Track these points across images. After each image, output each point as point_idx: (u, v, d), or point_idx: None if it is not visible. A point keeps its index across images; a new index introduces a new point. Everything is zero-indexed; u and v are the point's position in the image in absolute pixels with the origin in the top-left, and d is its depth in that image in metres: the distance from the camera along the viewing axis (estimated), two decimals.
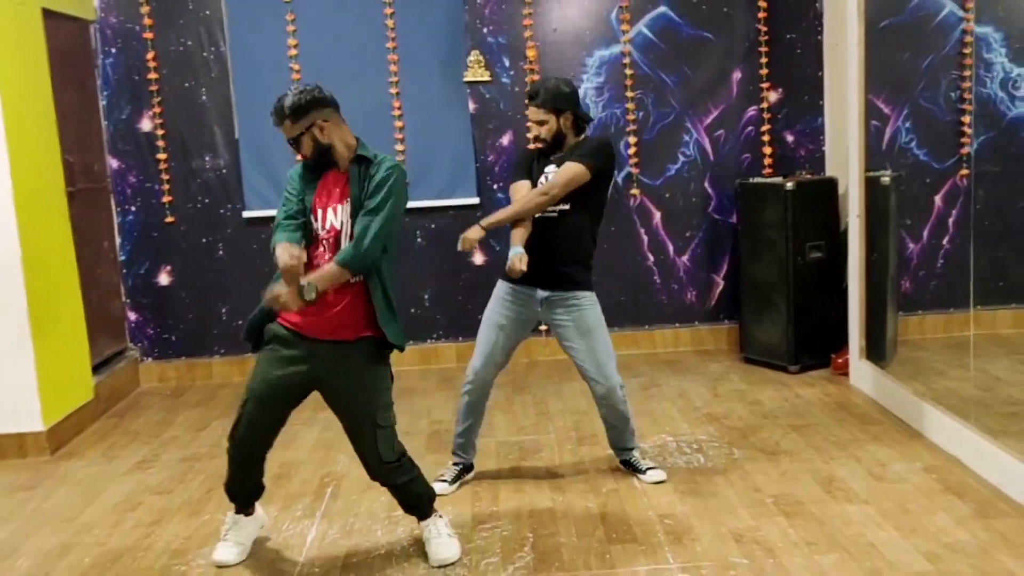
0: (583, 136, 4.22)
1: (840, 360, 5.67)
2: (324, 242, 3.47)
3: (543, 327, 6.42)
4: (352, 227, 3.41)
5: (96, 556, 3.84)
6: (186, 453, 5.06)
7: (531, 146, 4.37)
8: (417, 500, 3.67)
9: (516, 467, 4.56)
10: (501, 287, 4.30)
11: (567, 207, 4.07)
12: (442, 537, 3.65)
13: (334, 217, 3.46)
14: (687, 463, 4.45)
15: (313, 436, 5.21)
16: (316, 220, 3.48)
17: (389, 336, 3.46)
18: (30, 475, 4.83)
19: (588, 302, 4.15)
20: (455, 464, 4.35)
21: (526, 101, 4.25)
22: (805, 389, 5.49)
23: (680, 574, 3.39)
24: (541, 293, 4.13)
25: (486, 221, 4.11)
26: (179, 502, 4.36)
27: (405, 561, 3.64)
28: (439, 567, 3.57)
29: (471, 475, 4.39)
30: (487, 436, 5.00)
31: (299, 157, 3.56)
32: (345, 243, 3.41)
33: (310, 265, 3.45)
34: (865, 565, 3.34)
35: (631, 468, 4.33)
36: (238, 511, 3.81)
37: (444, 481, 4.26)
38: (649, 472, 4.27)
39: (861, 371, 5.42)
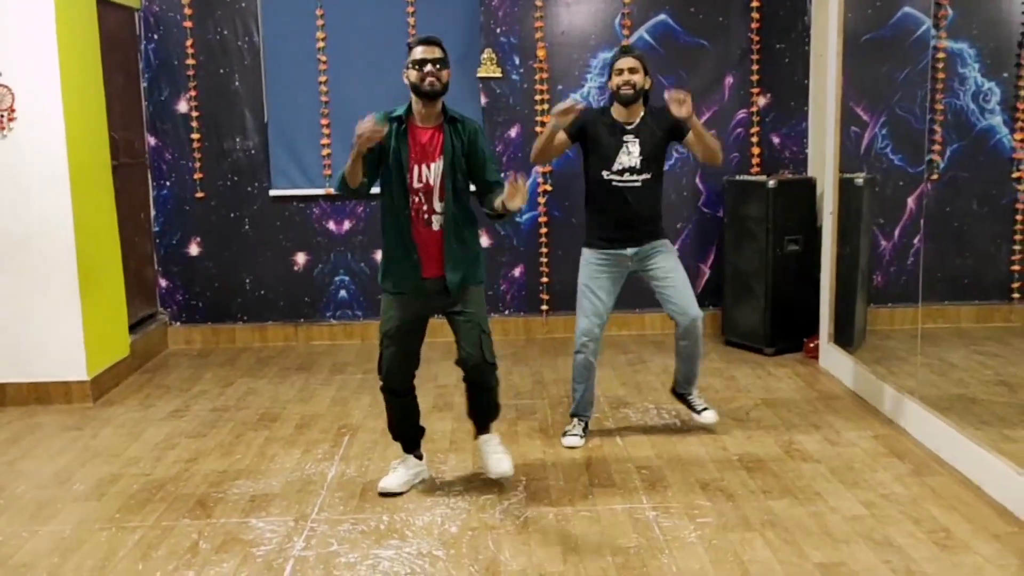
0: (648, 107, 4.65)
1: (812, 345, 6.20)
2: (419, 194, 3.92)
3: (544, 308, 6.98)
4: (443, 183, 3.90)
5: (143, 484, 4.39)
6: (215, 404, 5.60)
7: (619, 93, 4.56)
8: (490, 408, 4.27)
9: (512, 425, 5.09)
10: (591, 255, 4.72)
11: (649, 176, 4.58)
12: (499, 453, 4.25)
13: (428, 172, 3.91)
14: (665, 425, 5.00)
15: (330, 394, 5.74)
16: (409, 173, 3.90)
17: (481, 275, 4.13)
18: (77, 418, 5.38)
19: (669, 246, 4.73)
20: (580, 421, 4.83)
21: (617, 58, 4.57)
22: (778, 369, 6.03)
23: (651, 511, 3.93)
24: (631, 250, 4.63)
25: (695, 123, 4.50)
26: (212, 444, 4.90)
27: (413, 493, 4.18)
28: (498, 478, 4.20)
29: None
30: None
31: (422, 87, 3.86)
32: (436, 198, 3.92)
33: (412, 214, 3.93)
34: (809, 508, 3.89)
35: (686, 403, 4.93)
36: (406, 450, 4.29)
37: (575, 435, 4.76)
38: (704, 413, 4.86)
39: (829, 354, 5.96)
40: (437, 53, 3.88)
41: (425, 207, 3.93)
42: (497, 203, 3.88)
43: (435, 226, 3.95)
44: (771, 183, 6.23)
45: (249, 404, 5.60)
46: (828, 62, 5.93)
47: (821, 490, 4.08)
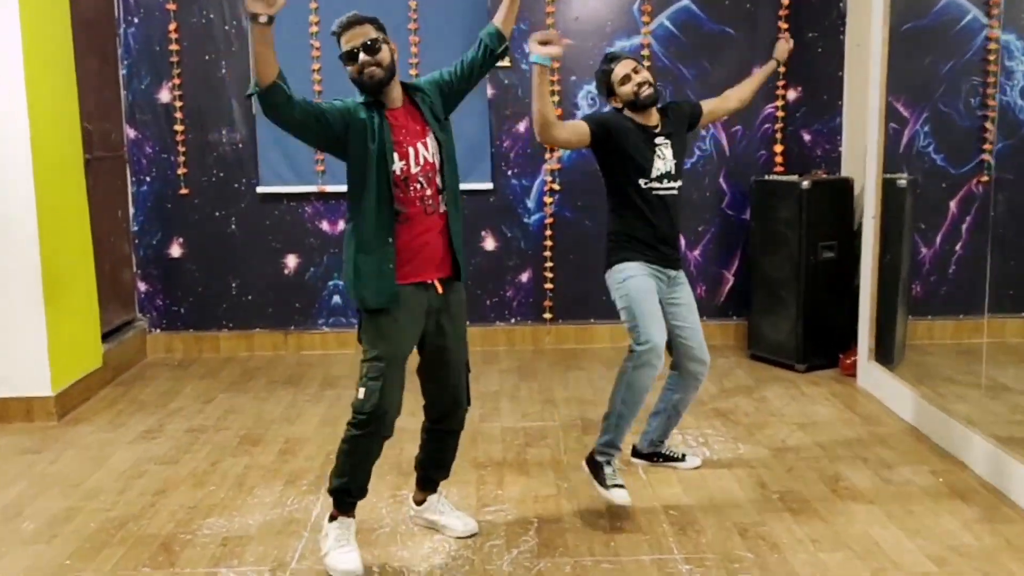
0: (658, 109, 4.08)
1: (848, 361, 5.67)
2: (421, 179, 3.33)
3: (547, 315, 6.45)
4: (442, 156, 3.38)
5: (101, 522, 3.85)
6: (192, 424, 5.07)
7: (640, 98, 3.92)
8: (452, 460, 3.72)
9: (521, 453, 4.57)
10: (637, 266, 3.91)
11: (681, 183, 4.02)
12: (456, 511, 3.72)
13: (426, 152, 3.36)
14: (693, 456, 4.46)
15: (320, 412, 5.22)
16: (406, 160, 3.31)
17: (463, 270, 3.50)
18: (37, 439, 4.85)
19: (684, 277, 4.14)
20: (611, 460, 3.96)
21: (608, 68, 3.96)
22: (812, 388, 5.49)
23: (684, 565, 3.40)
24: (671, 273, 4.01)
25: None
26: (184, 473, 4.37)
27: (409, 539, 3.65)
28: (464, 538, 3.62)
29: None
30: (491, 421, 5.02)
31: (355, 71, 3.30)
32: (439, 177, 3.37)
33: (407, 212, 3.32)
34: (871, 564, 3.35)
35: (664, 459, 4.32)
36: (349, 512, 3.49)
37: (622, 486, 3.86)
38: (688, 459, 4.33)
39: (869, 373, 5.42)
40: (366, 34, 3.29)
41: (429, 192, 3.36)
42: (499, 17, 3.57)
43: (442, 207, 3.40)
44: (805, 183, 5.69)
45: (230, 424, 5.07)
46: (871, 52, 5.38)
47: (880, 540, 3.54)
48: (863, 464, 4.30)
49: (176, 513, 3.93)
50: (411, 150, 3.33)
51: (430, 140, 3.38)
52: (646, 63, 6.26)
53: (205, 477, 4.32)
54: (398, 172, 3.30)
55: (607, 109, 4.12)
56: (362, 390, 3.32)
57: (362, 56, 3.26)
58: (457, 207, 3.45)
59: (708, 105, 4.30)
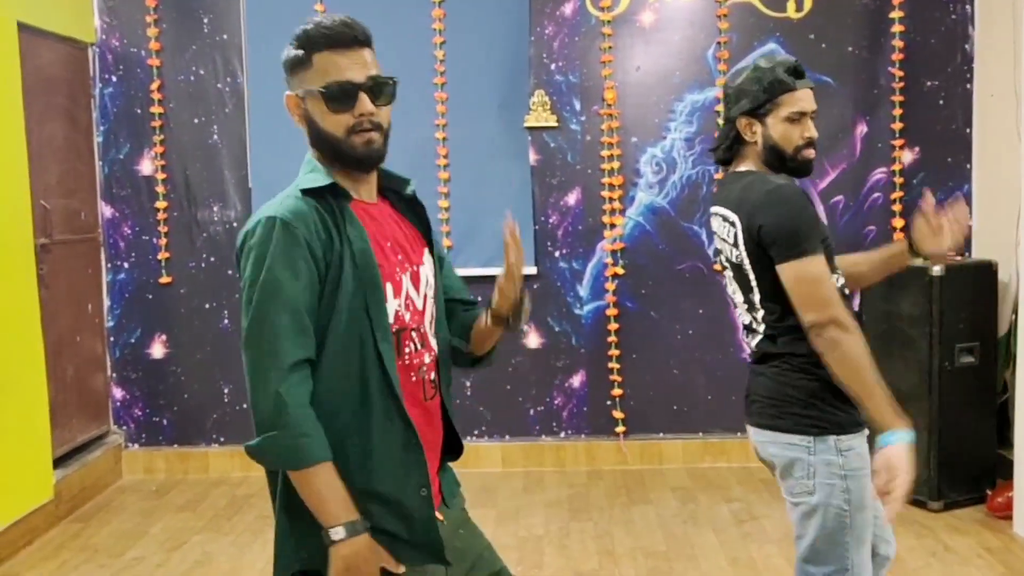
0: None
1: (999, 499, 4.37)
2: (411, 332, 2.01)
3: (620, 430, 5.26)
4: (436, 298, 2.11)
5: None
6: None
7: (796, 159, 2.56)
8: None
9: None
10: (860, 445, 2.49)
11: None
12: None
13: (416, 288, 2.04)
14: None
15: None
16: (398, 298, 1.99)
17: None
18: None
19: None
20: None
21: (787, 86, 2.53)
22: (955, 537, 4.19)
23: None
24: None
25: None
26: None
27: None
28: None
29: None
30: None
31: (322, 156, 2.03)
32: (431, 332, 2.07)
33: (402, 377, 1.98)
34: None
35: None
36: None
37: None
38: None
39: None
40: (371, 65, 1.99)
41: (419, 356, 2.03)
42: (483, 320, 2.11)
43: (434, 383, 2.07)
44: (936, 269, 4.45)
45: None
46: (1020, 101, 4.17)
47: None
48: None
49: None
50: (408, 280, 2.03)
51: (424, 268, 2.08)
52: (720, 120, 5.11)
53: None
54: (391, 319, 1.98)
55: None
56: None
57: (366, 103, 1.98)
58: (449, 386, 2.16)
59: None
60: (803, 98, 2.53)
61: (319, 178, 1.96)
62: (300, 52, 1.98)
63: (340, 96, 1.94)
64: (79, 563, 4.20)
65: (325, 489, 1.85)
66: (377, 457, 1.92)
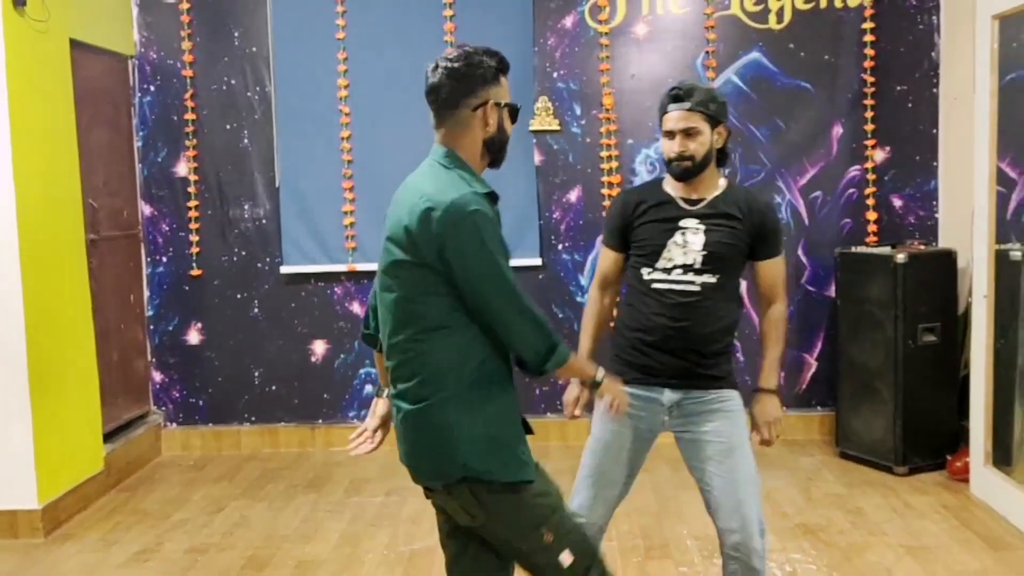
0: (727, 179, 3.11)
1: (958, 463, 4.83)
2: None
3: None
4: None
5: None
6: (194, 542, 4.42)
7: (669, 166, 3.03)
8: None
9: None
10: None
11: (712, 281, 2.97)
12: None
13: None
14: None
15: (340, 527, 4.53)
16: None
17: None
18: (18, 560, 4.24)
19: (735, 404, 3.02)
20: None
21: (664, 108, 3.02)
22: (917, 497, 4.66)
23: None
24: (669, 396, 3.04)
25: (771, 381, 3.10)
26: None
27: None
28: None
29: None
30: None
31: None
32: None
33: None
34: None
35: None
36: None
37: None
38: None
39: (986, 479, 4.59)
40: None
41: None
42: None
43: None
44: (900, 257, 4.92)
45: (236, 541, 4.40)
46: (977, 107, 4.64)
47: None
48: None
49: None
50: None
51: None
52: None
53: None
54: None
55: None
56: None
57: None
58: None
59: (772, 272, 3.13)
60: (671, 119, 2.98)
61: (485, 185, 2.51)
62: (496, 71, 2.53)
63: (517, 113, 2.61)
64: (130, 525, 4.68)
65: (581, 363, 2.65)
66: None
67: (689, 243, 2.97)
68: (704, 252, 2.96)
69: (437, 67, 2.50)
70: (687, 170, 2.98)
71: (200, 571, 4.06)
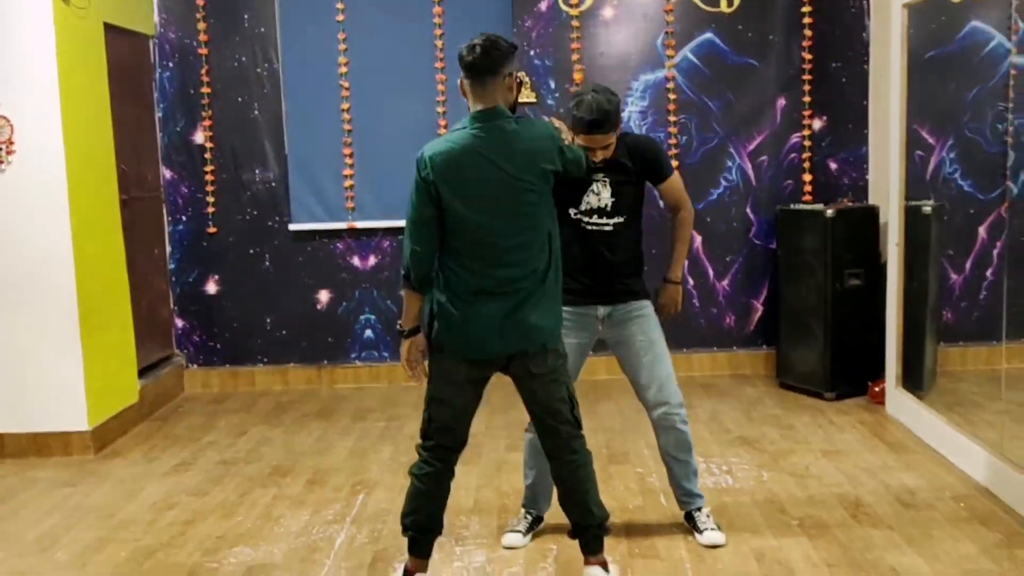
0: (619, 136, 3.80)
1: (877, 389, 5.64)
2: None
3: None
4: None
5: (131, 551, 3.95)
6: (224, 456, 5.17)
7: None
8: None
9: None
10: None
11: (621, 220, 3.78)
12: None
13: None
14: (715, 484, 4.47)
15: (349, 444, 5.29)
16: None
17: None
18: (74, 472, 4.98)
19: (651, 310, 3.88)
20: (527, 515, 3.98)
21: (584, 133, 3.64)
22: (840, 416, 5.47)
23: None
24: (602, 310, 3.83)
25: (677, 274, 4.02)
26: (214, 504, 4.47)
27: (431, 564, 3.69)
28: None
29: (541, 525, 4.03)
30: (518, 451, 5.04)
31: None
32: None
33: None
34: None
35: (691, 524, 3.90)
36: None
37: (516, 532, 3.92)
38: (707, 534, 3.81)
39: (898, 400, 5.39)
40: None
41: None
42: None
43: None
44: (829, 212, 5.70)
45: (261, 456, 5.16)
46: (892, 81, 5.40)
47: (896, 564, 3.53)
48: (885, 490, 4.28)
49: (204, 542, 4.01)
50: None
51: None
52: (670, 95, 6.33)
53: (234, 508, 4.40)
54: None
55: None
56: None
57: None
58: None
59: (671, 189, 3.92)
60: (594, 141, 3.65)
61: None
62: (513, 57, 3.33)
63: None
64: (166, 446, 5.43)
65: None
66: None
67: (601, 193, 3.76)
68: (612, 199, 3.76)
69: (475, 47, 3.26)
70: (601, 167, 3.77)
71: (233, 478, 4.82)
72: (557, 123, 3.66)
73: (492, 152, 3.21)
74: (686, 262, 4.02)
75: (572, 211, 3.78)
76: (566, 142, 3.44)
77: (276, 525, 4.17)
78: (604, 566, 3.43)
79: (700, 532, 3.84)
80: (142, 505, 4.47)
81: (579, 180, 3.66)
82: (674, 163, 6.30)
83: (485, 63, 3.24)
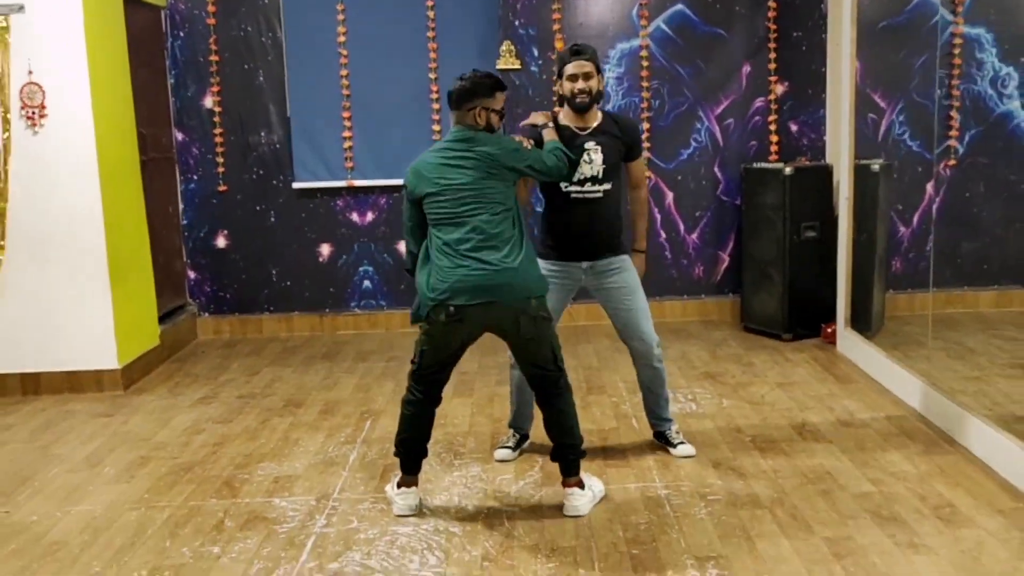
0: (601, 111, 4.31)
1: (829, 330, 6.25)
2: None
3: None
4: None
5: (171, 467, 4.53)
6: (242, 392, 5.74)
7: (573, 101, 4.22)
8: None
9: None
10: (540, 264, 4.10)
11: (610, 186, 4.23)
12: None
13: None
14: (681, 410, 5.07)
15: (354, 381, 5.87)
16: None
17: None
18: (108, 405, 5.54)
19: (629, 263, 4.35)
20: (515, 433, 4.55)
21: (567, 60, 4.18)
22: (795, 354, 6.08)
23: (663, 489, 4.02)
24: (585, 264, 4.28)
25: (642, 244, 4.55)
26: (238, 430, 5.04)
27: (432, 476, 4.29)
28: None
29: (528, 443, 4.60)
30: (508, 385, 5.65)
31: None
32: None
33: None
34: (820, 487, 3.97)
35: (663, 441, 4.50)
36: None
37: (506, 447, 4.49)
38: (680, 447, 4.42)
39: (847, 339, 6.01)
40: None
41: None
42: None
43: None
44: (787, 170, 6.28)
45: (275, 391, 5.73)
46: (842, 50, 5.97)
47: (831, 469, 4.15)
48: (829, 412, 4.90)
49: (234, 459, 4.59)
50: None
51: None
52: (644, 62, 6.87)
53: (256, 432, 4.98)
54: None
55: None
56: None
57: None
58: None
59: (639, 167, 4.48)
60: (573, 66, 4.17)
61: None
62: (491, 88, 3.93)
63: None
64: (188, 383, 5.99)
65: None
66: None
67: (594, 160, 4.24)
68: (604, 165, 4.25)
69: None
70: (584, 104, 4.22)
71: (252, 409, 5.39)
72: (519, 138, 4.10)
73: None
74: (657, 220, 4.57)
75: (564, 185, 4.21)
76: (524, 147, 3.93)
77: (296, 446, 4.75)
78: (580, 485, 3.96)
79: (673, 446, 4.45)
80: (174, 431, 5.05)
81: (571, 151, 4.11)
82: (646, 126, 6.92)
83: (452, 99, 3.88)
